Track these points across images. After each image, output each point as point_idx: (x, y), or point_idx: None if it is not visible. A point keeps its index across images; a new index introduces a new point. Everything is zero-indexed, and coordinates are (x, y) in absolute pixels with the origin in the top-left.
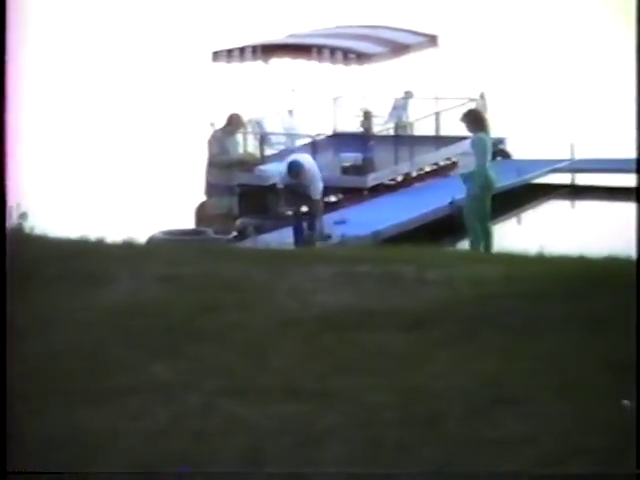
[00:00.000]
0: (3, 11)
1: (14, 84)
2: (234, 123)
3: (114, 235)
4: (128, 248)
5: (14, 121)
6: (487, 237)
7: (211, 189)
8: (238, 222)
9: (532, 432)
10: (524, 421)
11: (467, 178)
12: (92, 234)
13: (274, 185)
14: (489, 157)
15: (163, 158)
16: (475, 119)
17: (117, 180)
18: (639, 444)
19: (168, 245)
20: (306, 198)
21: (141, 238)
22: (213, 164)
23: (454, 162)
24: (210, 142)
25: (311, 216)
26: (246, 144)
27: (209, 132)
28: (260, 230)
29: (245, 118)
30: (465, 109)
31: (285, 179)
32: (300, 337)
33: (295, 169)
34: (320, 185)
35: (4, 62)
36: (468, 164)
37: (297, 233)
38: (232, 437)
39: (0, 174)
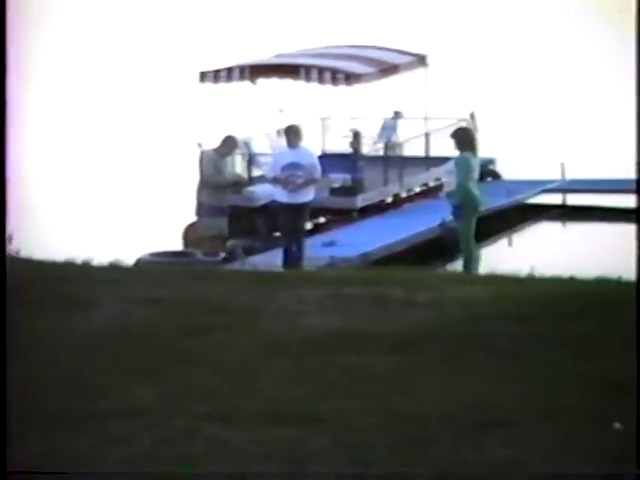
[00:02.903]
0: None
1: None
2: (229, 145)
3: (101, 257)
4: (114, 271)
5: None
6: (471, 257)
7: (203, 209)
8: (228, 244)
9: (519, 455)
10: (511, 444)
11: (450, 197)
12: (79, 256)
13: (263, 206)
14: (474, 177)
15: (150, 179)
16: (463, 138)
17: (104, 201)
18: (639, 444)
19: (155, 267)
20: (297, 212)
21: (128, 260)
22: (206, 185)
23: (444, 183)
24: (203, 163)
25: (300, 236)
26: (234, 165)
27: (197, 152)
28: (249, 252)
29: (239, 140)
30: (456, 127)
31: (282, 152)
32: (286, 360)
33: (295, 130)
34: (318, 172)
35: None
36: (451, 183)
37: (286, 255)
38: (216, 462)
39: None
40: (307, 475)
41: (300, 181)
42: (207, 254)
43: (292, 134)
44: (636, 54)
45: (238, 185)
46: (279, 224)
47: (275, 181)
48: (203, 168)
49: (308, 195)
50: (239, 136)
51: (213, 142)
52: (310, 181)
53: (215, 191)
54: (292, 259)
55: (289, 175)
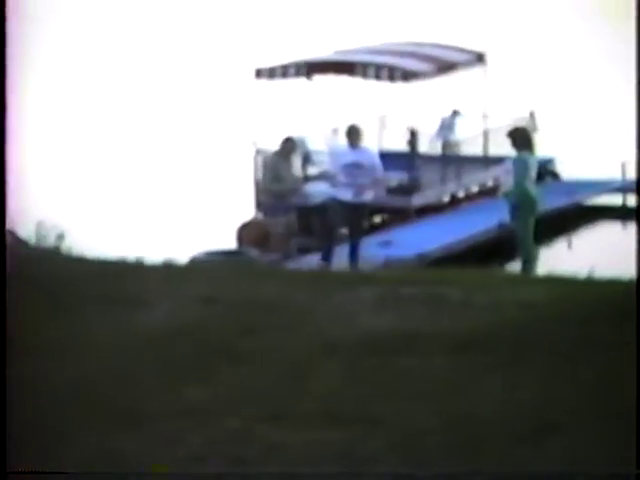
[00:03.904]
0: (3, 13)
1: (42, 107)
2: (288, 147)
3: (154, 256)
4: (167, 269)
5: (52, 141)
6: (529, 258)
7: (266, 208)
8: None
9: (579, 462)
10: (571, 450)
11: (508, 197)
12: (132, 255)
13: (318, 205)
14: (532, 176)
15: (205, 178)
16: (520, 137)
17: (159, 200)
18: (639, 444)
19: (209, 266)
20: (356, 211)
21: (182, 259)
22: (267, 191)
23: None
24: (263, 167)
25: (357, 234)
26: (294, 166)
27: (252, 151)
28: (304, 251)
29: (296, 139)
30: (513, 127)
31: (343, 151)
32: (342, 361)
33: (356, 130)
34: (379, 172)
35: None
36: (509, 183)
37: (328, 253)
38: (271, 465)
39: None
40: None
41: (363, 182)
42: (263, 253)
43: (354, 134)
44: None
45: (297, 190)
46: (337, 223)
47: (335, 180)
48: (263, 173)
49: (369, 194)
50: (295, 135)
51: (268, 140)
52: (374, 183)
53: (276, 197)
54: (349, 258)
55: (350, 174)
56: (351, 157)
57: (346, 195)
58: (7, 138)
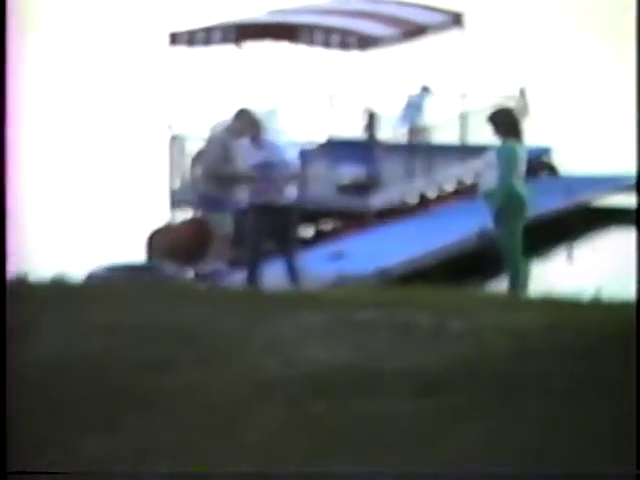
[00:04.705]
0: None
1: None
2: (242, 121)
3: (42, 271)
4: (58, 288)
5: None
6: (518, 274)
7: (206, 202)
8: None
9: None
10: None
11: (490, 197)
12: (11, 270)
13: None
14: (521, 171)
15: (109, 169)
16: (505, 122)
17: (48, 198)
18: (639, 444)
19: (110, 284)
20: (280, 215)
21: (77, 275)
22: (213, 175)
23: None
24: (209, 146)
25: (287, 246)
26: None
27: (167, 136)
28: (234, 264)
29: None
30: (496, 108)
31: (244, 151)
32: (281, 405)
33: (251, 123)
34: (293, 166)
35: None
36: (491, 179)
37: (254, 273)
38: None
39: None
40: None
41: (277, 183)
42: (181, 267)
43: (250, 129)
44: None
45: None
46: (259, 234)
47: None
48: (208, 152)
49: (290, 194)
50: (217, 116)
51: (186, 124)
52: (286, 181)
53: (224, 184)
54: (287, 277)
55: (260, 177)
56: (256, 157)
57: (262, 199)
58: None
